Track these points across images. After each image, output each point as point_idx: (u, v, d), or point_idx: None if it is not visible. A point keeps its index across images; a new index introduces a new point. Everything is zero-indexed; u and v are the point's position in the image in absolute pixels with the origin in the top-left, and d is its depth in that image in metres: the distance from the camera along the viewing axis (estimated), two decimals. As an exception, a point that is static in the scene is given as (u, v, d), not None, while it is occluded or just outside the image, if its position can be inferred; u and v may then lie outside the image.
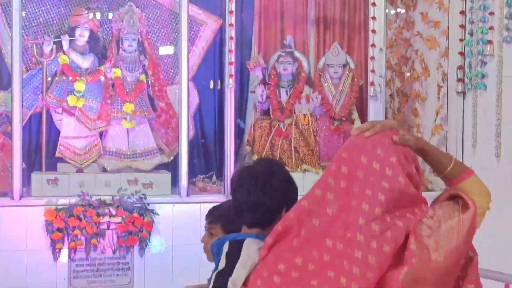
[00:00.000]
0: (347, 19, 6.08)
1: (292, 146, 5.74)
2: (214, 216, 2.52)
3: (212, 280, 1.85)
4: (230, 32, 5.30)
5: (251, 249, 1.75)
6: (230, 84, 5.30)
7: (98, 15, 5.73)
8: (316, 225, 1.57)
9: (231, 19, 5.28)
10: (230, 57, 5.30)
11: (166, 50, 6.00)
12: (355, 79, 5.72)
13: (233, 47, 5.30)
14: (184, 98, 5.33)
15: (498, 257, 4.37)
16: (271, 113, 5.84)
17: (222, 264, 1.81)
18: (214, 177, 5.90)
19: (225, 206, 2.50)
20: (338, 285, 1.49)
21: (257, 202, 1.84)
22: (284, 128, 5.76)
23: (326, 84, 5.85)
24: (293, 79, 5.91)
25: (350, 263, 1.50)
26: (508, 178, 4.28)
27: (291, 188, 1.89)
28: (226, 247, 1.83)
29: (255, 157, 5.72)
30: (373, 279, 1.49)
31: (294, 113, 5.82)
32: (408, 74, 5.58)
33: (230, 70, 5.31)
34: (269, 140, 5.77)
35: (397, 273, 1.52)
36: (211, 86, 5.96)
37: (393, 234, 1.53)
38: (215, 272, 1.86)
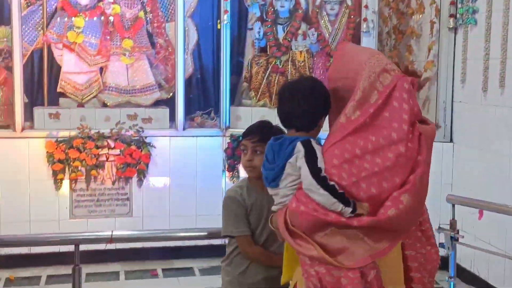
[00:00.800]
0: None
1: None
2: (259, 135, 2.68)
3: (306, 168, 2.17)
4: (224, -32, 5.32)
5: (316, 145, 2.21)
6: (225, 20, 5.36)
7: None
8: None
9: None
10: (225, -7, 5.34)
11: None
12: (352, 16, 5.75)
13: (228, -16, 5.33)
14: (180, 35, 5.41)
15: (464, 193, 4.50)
16: (268, 49, 5.91)
17: (301, 158, 2.19)
18: (212, 113, 6.01)
19: (263, 127, 2.75)
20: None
21: (304, 110, 2.24)
22: (281, 65, 5.84)
23: (322, 21, 5.88)
24: (290, 16, 5.95)
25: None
26: (492, 112, 4.37)
27: (327, 100, 2.27)
28: (300, 146, 2.19)
29: (252, 93, 5.84)
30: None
31: (291, 49, 5.89)
32: (404, 11, 5.59)
33: (225, 6, 5.34)
34: (266, 76, 5.86)
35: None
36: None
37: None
38: (306, 162, 2.18)
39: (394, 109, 2.13)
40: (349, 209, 2.10)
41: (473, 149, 4.69)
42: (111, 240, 2.71)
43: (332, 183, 2.12)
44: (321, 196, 2.11)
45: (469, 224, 4.44)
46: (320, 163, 2.16)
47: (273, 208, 2.33)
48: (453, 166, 4.99)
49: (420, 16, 5.39)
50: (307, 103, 2.23)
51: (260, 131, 2.70)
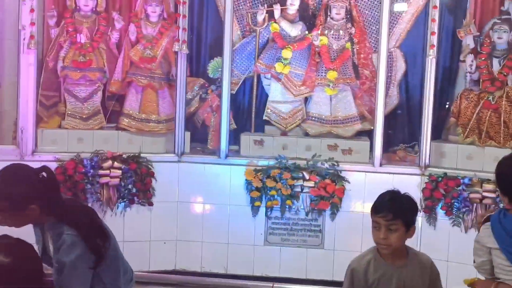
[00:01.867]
0: None
1: (502, 120, 5.37)
2: (393, 212, 2.57)
3: None
4: (434, 0, 5.09)
5: None
6: (431, 54, 5.14)
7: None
8: None
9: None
10: (432, 26, 5.13)
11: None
12: None
13: (436, 17, 5.11)
14: (382, 66, 5.32)
15: None
16: (480, 84, 5.52)
17: None
18: (416, 147, 5.80)
19: (394, 201, 2.62)
20: None
21: None
22: (494, 101, 5.41)
23: (545, 53, 5.33)
24: (509, 49, 5.49)
25: None
26: None
27: None
28: None
29: (459, 130, 5.51)
30: None
31: (506, 84, 5.43)
32: None
33: (432, 40, 5.13)
34: (476, 112, 5.48)
35: None
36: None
37: None
38: None
39: None
40: None
41: None
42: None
43: None
44: None
45: None
46: None
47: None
48: None
49: None
50: None
51: (393, 207, 2.56)
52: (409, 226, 2.59)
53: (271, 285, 2.79)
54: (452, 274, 4.69)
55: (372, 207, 2.64)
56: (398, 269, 2.57)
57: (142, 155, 5.39)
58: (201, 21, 6.12)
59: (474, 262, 2.71)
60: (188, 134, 5.71)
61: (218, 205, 5.41)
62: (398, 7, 5.83)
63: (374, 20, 5.85)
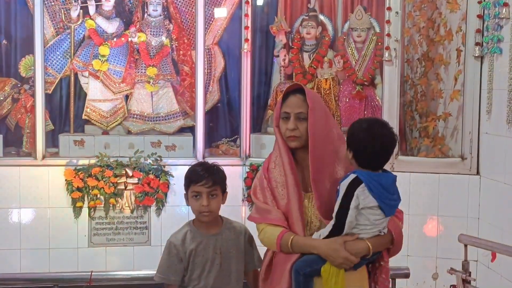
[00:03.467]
0: (375, -20, 5.94)
1: (314, 111, 5.70)
2: (213, 178, 2.69)
3: None
4: (246, -4, 5.29)
5: None
6: (245, 48, 5.31)
7: (123, -20, 5.84)
8: None
9: (247, -17, 5.27)
10: (246, 21, 5.29)
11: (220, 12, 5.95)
12: (379, 43, 5.60)
13: (249, 12, 5.28)
14: (200, 63, 5.38)
15: (492, 227, 4.26)
16: (293, 77, 5.82)
17: None
18: (238, 141, 5.96)
19: (212, 169, 2.73)
20: None
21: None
22: (307, 93, 5.71)
23: (349, 48, 5.76)
24: (317, 43, 5.86)
25: None
26: (518, 146, 4.13)
27: None
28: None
29: (276, 122, 5.75)
30: None
31: (316, 77, 5.78)
32: (434, 37, 5.41)
33: (246, 34, 5.29)
34: (291, 104, 5.75)
35: None
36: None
37: None
38: None
39: None
40: None
41: (499, 183, 4.45)
42: (90, 281, 2.66)
43: None
44: None
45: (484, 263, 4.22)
46: None
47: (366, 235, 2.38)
48: (480, 200, 4.75)
49: (449, 43, 5.20)
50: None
51: (212, 175, 2.69)
52: (223, 193, 2.74)
53: (90, 272, 2.70)
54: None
55: (188, 179, 2.72)
56: (213, 237, 2.69)
57: None
58: (9, 17, 5.77)
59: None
60: (0, 137, 5.37)
61: (37, 209, 5.12)
62: (218, 12, 5.95)
63: (191, 17, 5.91)
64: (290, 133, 2.48)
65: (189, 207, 2.73)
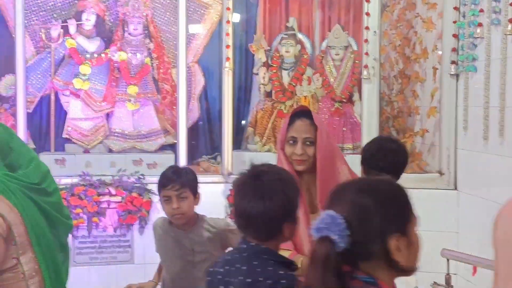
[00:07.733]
0: (352, 0, 6.08)
1: (294, 128, 5.79)
2: (181, 182, 2.86)
3: None
4: (227, 15, 5.37)
5: None
6: (227, 67, 5.38)
7: (104, -1, 5.88)
8: None
9: (228, 2, 5.35)
10: (226, 40, 5.37)
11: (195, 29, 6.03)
12: (357, 61, 5.73)
13: (230, 31, 5.36)
14: (182, 81, 5.42)
15: (470, 241, 4.37)
16: (273, 95, 5.91)
17: None
18: (218, 158, 6.01)
19: (179, 172, 2.94)
20: None
21: None
22: (286, 110, 5.82)
23: (327, 66, 5.88)
24: (296, 61, 5.97)
25: None
26: (494, 162, 4.26)
27: None
28: None
29: (257, 139, 5.83)
30: None
31: (295, 95, 5.88)
32: (410, 55, 5.56)
33: (227, 53, 5.37)
34: (271, 121, 5.85)
35: None
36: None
37: None
38: None
39: None
40: None
41: (476, 197, 4.58)
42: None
43: None
44: None
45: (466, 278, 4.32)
46: None
47: None
48: (458, 215, 4.87)
49: (424, 61, 5.34)
50: None
51: (179, 178, 2.85)
52: (195, 194, 2.91)
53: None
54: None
55: (159, 184, 2.90)
56: (187, 234, 2.91)
57: None
58: (-14, 37, 5.76)
59: None
60: (-21, 157, 5.32)
61: (19, 229, 5.09)
62: (192, 28, 6.02)
63: (171, 35, 5.97)
64: (298, 157, 2.52)
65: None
